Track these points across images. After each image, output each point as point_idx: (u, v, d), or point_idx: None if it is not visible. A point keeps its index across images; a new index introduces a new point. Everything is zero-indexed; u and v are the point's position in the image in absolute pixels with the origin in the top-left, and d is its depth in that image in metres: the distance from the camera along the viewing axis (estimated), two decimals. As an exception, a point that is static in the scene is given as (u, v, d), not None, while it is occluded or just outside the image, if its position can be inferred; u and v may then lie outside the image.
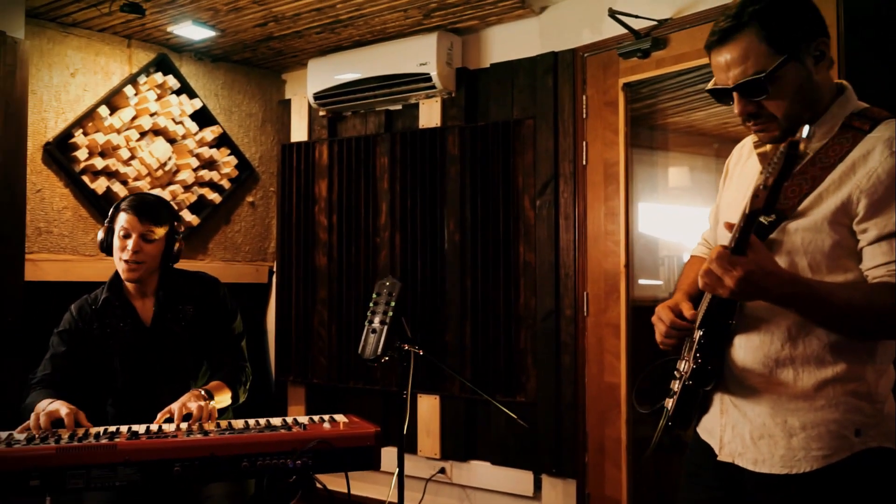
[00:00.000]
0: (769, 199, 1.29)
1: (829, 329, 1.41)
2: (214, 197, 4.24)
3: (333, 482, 2.24)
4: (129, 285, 2.49)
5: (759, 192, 1.30)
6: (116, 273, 2.48)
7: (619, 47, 3.20)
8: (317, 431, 2.05)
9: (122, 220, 2.39)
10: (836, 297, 1.37)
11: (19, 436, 1.99)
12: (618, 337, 3.22)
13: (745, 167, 1.62)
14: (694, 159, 4.13)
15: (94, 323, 2.48)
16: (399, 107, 4.03)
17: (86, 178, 3.75)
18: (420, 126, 3.90)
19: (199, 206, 4.20)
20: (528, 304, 3.53)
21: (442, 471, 3.75)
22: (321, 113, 4.23)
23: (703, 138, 4.04)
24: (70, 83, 3.75)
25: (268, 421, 2.20)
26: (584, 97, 3.40)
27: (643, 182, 3.76)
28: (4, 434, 2.01)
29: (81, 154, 3.71)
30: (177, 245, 2.51)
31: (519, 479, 3.54)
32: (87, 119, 3.77)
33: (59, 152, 3.66)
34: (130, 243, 2.37)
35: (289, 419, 2.24)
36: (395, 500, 2.82)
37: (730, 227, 1.38)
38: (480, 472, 3.67)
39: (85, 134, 3.76)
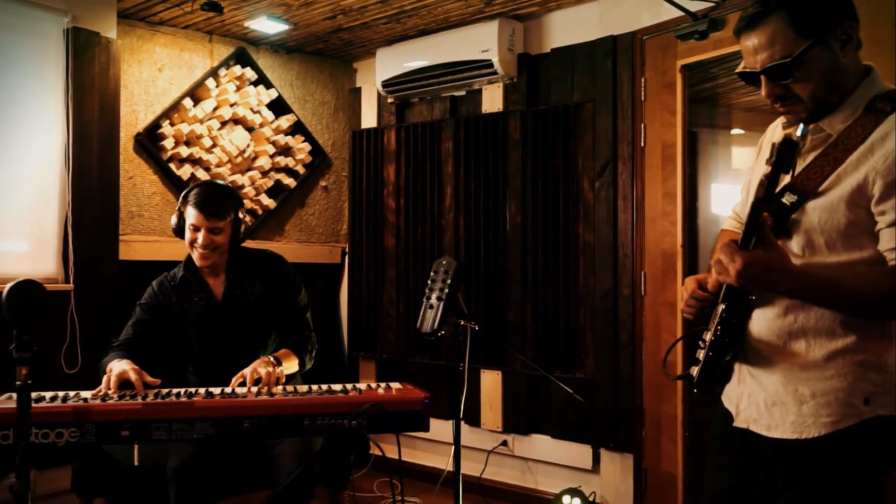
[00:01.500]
0: (769, 191, 1.37)
1: (840, 312, 1.47)
2: (290, 182, 4.48)
3: (393, 450, 2.41)
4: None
5: (762, 182, 1.38)
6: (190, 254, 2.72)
7: (677, 29, 3.22)
8: (371, 396, 2.23)
9: (191, 215, 2.61)
10: (845, 286, 1.43)
11: (113, 394, 2.24)
12: (674, 316, 3.27)
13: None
14: (757, 138, 4.07)
15: (172, 297, 2.73)
16: (463, 92, 4.16)
17: (172, 166, 4.04)
18: (483, 111, 4.02)
19: (275, 191, 4.45)
20: (588, 283, 3.62)
21: (504, 443, 3.89)
22: (389, 100, 4.41)
23: (766, 116, 3.99)
24: (157, 77, 4.04)
25: (329, 386, 2.39)
26: (642, 80, 3.44)
27: (706, 162, 3.78)
28: (89, 393, 2.27)
29: (168, 143, 4.01)
30: (243, 227, 2.72)
31: (578, 453, 3.64)
32: (173, 110, 4.05)
33: (149, 142, 3.96)
34: (200, 237, 2.59)
35: (348, 385, 2.42)
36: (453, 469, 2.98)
37: None
38: (541, 445, 3.79)
39: (171, 124, 4.05)
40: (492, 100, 3.99)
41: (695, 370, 1.74)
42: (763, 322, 1.58)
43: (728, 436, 1.70)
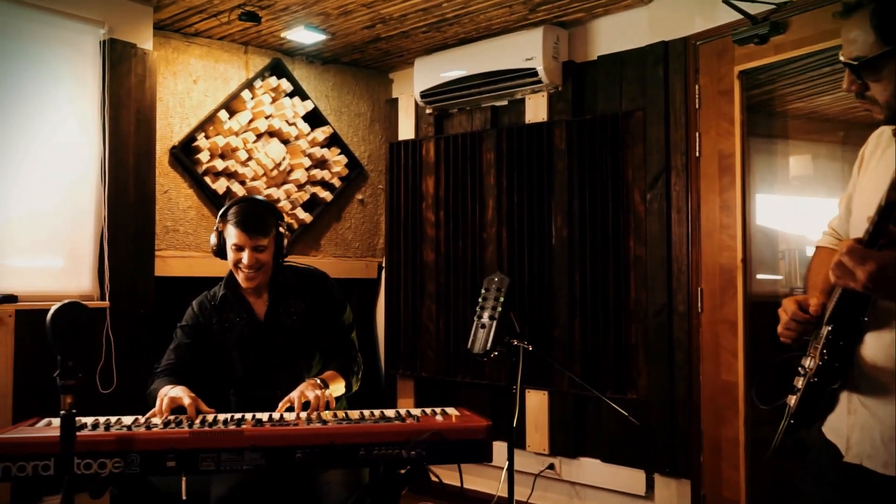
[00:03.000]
0: None
1: None
2: (326, 195, 4.38)
3: (444, 475, 2.28)
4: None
5: (893, 185, 1.25)
6: (232, 272, 2.60)
7: (735, 33, 3.09)
8: (430, 423, 2.09)
9: (232, 234, 2.48)
10: None
11: (155, 420, 2.13)
12: (735, 334, 3.11)
13: (884, 155, 1.55)
14: (817, 147, 3.93)
15: (213, 318, 2.61)
16: (505, 102, 4.04)
17: (208, 179, 3.95)
18: (526, 121, 3.89)
19: (311, 205, 4.35)
20: (639, 299, 3.46)
21: (551, 466, 3.73)
22: (427, 111, 4.29)
23: (828, 125, 3.84)
24: (193, 89, 3.96)
25: (382, 412, 2.26)
26: (696, 87, 3.30)
27: (761, 172, 3.62)
28: (142, 418, 2.16)
29: (204, 156, 3.92)
30: (285, 242, 2.60)
31: (630, 478, 3.48)
32: (208, 123, 3.97)
33: (184, 155, 3.88)
34: (245, 257, 2.47)
35: (402, 411, 2.29)
36: (506, 494, 2.84)
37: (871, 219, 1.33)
38: (590, 469, 3.64)
39: (206, 137, 3.96)
40: (535, 109, 3.86)
41: (792, 399, 1.59)
42: (879, 346, 1.43)
43: (832, 471, 1.55)
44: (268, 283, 2.62)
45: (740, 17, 3.06)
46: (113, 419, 2.15)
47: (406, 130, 4.44)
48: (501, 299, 2.74)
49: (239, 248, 2.49)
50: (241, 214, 2.49)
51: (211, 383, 2.84)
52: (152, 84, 3.62)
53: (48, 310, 3.17)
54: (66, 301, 1.68)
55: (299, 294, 2.64)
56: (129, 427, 2.00)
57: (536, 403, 3.75)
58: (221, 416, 2.18)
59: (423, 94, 4.17)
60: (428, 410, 2.31)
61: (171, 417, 2.15)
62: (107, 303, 3.36)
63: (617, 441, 3.53)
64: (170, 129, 3.86)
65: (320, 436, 2.01)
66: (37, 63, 3.31)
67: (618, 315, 3.52)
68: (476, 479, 3.82)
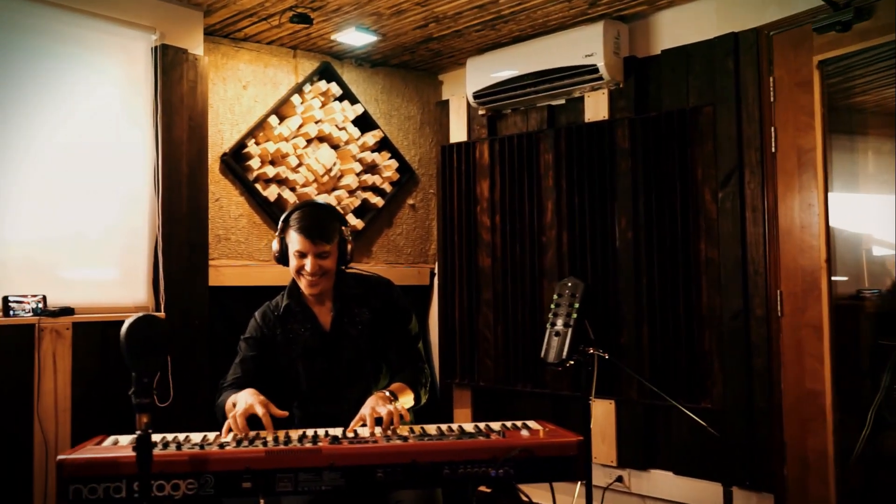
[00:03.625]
0: None
1: None
2: (377, 200, 4.28)
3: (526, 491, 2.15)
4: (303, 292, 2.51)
5: None
6: (294, 280, 2.50)
7: (814, 21, 2.93)
8: (517, 439, 1.96)
9: (295, 240, 2.38)
10: None
11: (225, 438, 2.03)
12: (820, 339, 2.94)
13: None
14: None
15: (277, 328, 2.51)
16: (562, 101, 3.90)
17: (258, 186, 3.87)
18: (586, 120, 3.75)
19: (362, 210, 4.25)
20: (712, 303, 3.30)
21: (619, 479, 3.58)
22: (480, 112, 4.17)
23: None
24: (242, 95, 3.88)
25: (460, 427, 2.14)
26: (770, 79, 3.14)
27: (840, 170, 3.43)
28: (211, 435, 2.06)
29: (254, 163, 3.84)
30: (349, 247, 2.49)
31: (706, 491, 3.31)
32: (258, 129, 3.89)
33: (235, 162, 3.80)
34: (308, 264, 2.36)
35: (481, 425, 2.17)
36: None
37: None
38: (662, 482, 3.47)
39: (257, 143, 3.89)
40: (596, 107, 3.71)
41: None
42: None
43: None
44: (332, 292, 2.51)
45: (817, 4, 2.90)
46: (181, 436, 2.06)
47: (458, 133, 4.32)
48: (577, 305, 2.61)
49: (302, 255, 2.39)
50: (303, 220, 2.39)
51: (273, 398, 2.75)
52: (204, 90, 3.55)
53: (105, 322, 3.14)
54: (140, 314, 1.58)
55: (364, 302, 2.53)
56: (201, 446, 1.90)
57: (603, 413, 3.60)
58: (294, 433, 2.08)
59: (476, 95, 4.05)
60: (509, 424, 2.19)
61: (244, 435, 2.05)
62: (162, 314, 3.28)
63: (691, 452, 3.36)
64: (220, 136, 3.79)
65: (402, 454, 1.89)
66: (90, 70, 3.25)
67: (689, 320, 3.36)
68: (545, 494, 3.67)
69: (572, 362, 2.60)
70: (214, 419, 2.36)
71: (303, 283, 2.43)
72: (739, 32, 3.24)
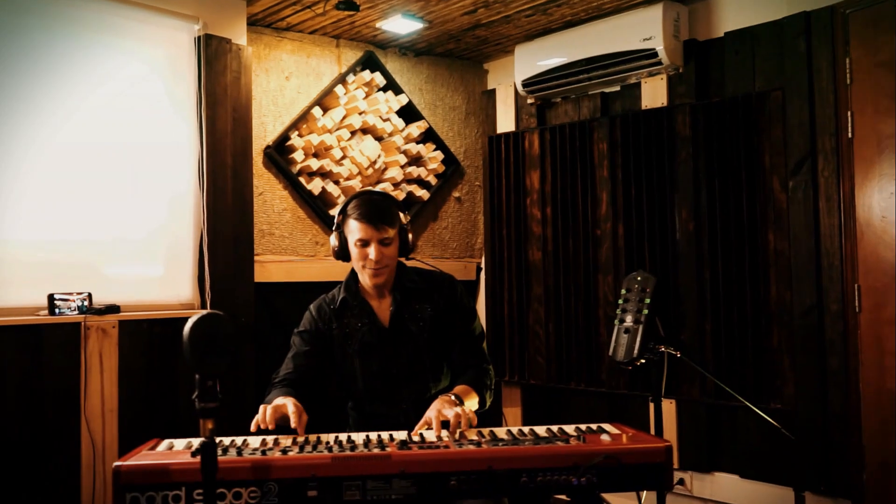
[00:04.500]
0: None
1: None
2: (422, 193, 4.15)
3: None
4: (365, 285, 2.40)
5: None
6: (352, 273, 2.39)
7: (897, -4, 2.74)
8: (598, 444, 1.83)
9: (356, 228, 2.27)
10: None
11: (285, 440, 1.92)
12: (904, 335, 2.76)
13: None
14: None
15: (333, 323, 2.40)
16: (617, 88, 3.74)
17: (302, 180, 3.77)
18: (643, 107, 3.59)
19: (407, 204, 4.13)
20: (782, 298, 3.13)
21: (681, 482, 3.42)
22: (529, 101, 4.03)
23: None
24: (285, 86, 3.78)
25: (533, 431, 2.01)
26: (846, 60, 2.96)
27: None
28: (270, 439, 1.95)
29: (298, 156, 3.73)
30: (409, 236, 2.38)
31: (775, 496, 3.15)
32: (301, 121, 3.78)
33: (278, 155, 3.70)
34: (372, 252, 2.25)
35: (554, 429, 2.04)
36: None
37: None
38: (727, 486, 3.31)
39: (300, 136, 3.78)
40: (653, 94, 3.55)
41: None
42: None
43: None
44: (392, 285, 2.39)
45: (900, -22, 2.72)
46: (239, 440, 1.96)
47: (505, 123, 4.18)
48: (647, 300, 2.46)
49: (364, 243, 2.27)
50: (363, 206, 2.27)
51: (328, 397, 2.64)
52: (247, 81, 3.45)
53: (151, 320, 3.04)
54: (206, 312, 1.47)
55: (426, 298, 2.40)
56: (262, 451, 1.78)
57: (664, 413, 3.41)
58: (357, 437, 1.96)
59: (525, 83, 3.91)
60: (583, 427, 2.05)
61: (303, 438, 1.94)
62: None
63: (758, 455, 3.20)
64: (263, 129, 3.68)
65: (477, 460, 1.76)
66: (134, 61, 3.17)
67: (756, 316, 3.19)
68: (609, 496, 3.52)
69: (643, 360, 2.44)
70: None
71: (366, 275, 2.31)
72: (812, 11, 3.06)
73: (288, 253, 3.73)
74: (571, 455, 1.77)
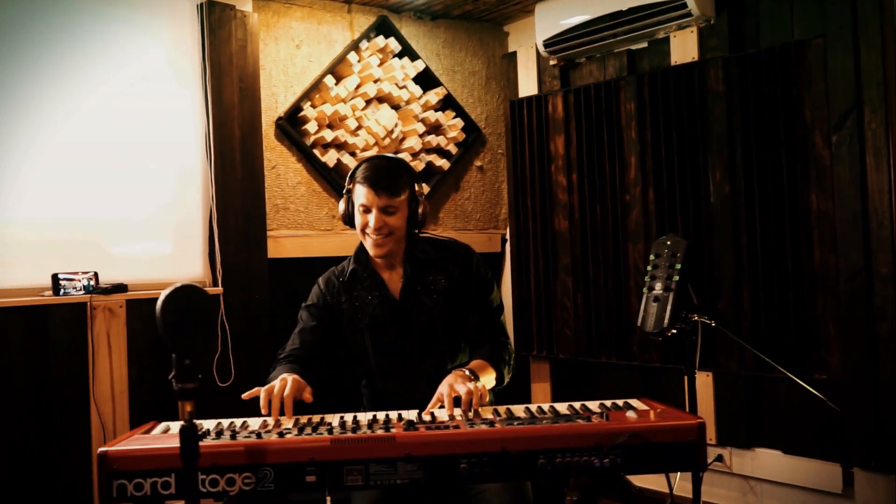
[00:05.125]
0: None
1: None
2: (442, 163, 3.99)
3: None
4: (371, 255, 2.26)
5: None
6: (362, 243, 2.25)
7: (951, -74, 2.48)
8: (623, 422, 1.66)
9: (360, 193, 2.14)
10: None
11: (287, 422, 1.80)
12: (961, 299, 2.53)
13: None
14: None
15: (342, 296, 2.27)
16: (644, 44, 3.52)
17: (316, 152, 3.63)
18: (672, 63, 3.37)
19: (427, 174, 3.97)
20: (826, 262, 2.91)
21: (719, 458, 3.24)
22: (551, 62, 3.83)
23: None
24: (296, 55, 3.63)
25: (552, 408, 1.85)
26: (894, 1, 2.71)
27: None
28: (271, 421, 1.83)
29: (311, 127, 3.59)
30: (420, 208, 2.22)
31: (822, 472, 2.95)
32: (313, 91, 3.63)
33: (291, 126, 3.56)
34: (372, 219, 2.12)
35: (576, 405, 1.88)
36: (682, 492, 2.38)
37: None
38: (768, 462, 3.12)
39: (313, 106, 3.64)
40: (683, 48, 3.33)
41: None
42: None
43: None
44: (402, 256, 2.25)
45: None
46: (238, 423, 1.83)
47: (527, 86, 3.98)
48: (678, 266, 2.27)
49: (366, 210, 2.14)
50: (369, 170, 2.13)
51: (340, 374, 2.51)
52: (254, 49, 3.31)
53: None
54: (178, 284, 1.34)
55: (440, 269, 2.26)
56: (258, 434, 1.66)
57: (700, 386, 3.23)
58: (364, 418, 1.82)
59: (547, 44, 3.71)
60: (608, 403, 1.89)
61: (306, 419, 1.82)
62: (220, 289, 3.08)
63: (802, 429, 3.00)
64: (274, 100, 3.54)
65: (490, 441, 1.61)
66: (135, 30, 3.04)
67: (798, 282, 2.98)
68: (636, 479, 3.37)
69: (674, 331, 2.27)
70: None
71: (368, 244, 2.18)
72: (855, -51, 2.82)
73: (303, 228, 3.61)
74: (593, 434, 1.61)
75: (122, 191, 2.96)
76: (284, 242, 3.48)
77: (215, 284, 3.11)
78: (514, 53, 4.09)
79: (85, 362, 2.72)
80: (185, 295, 1.33)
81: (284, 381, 1.90)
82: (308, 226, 3.61)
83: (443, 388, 1.95)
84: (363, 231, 2.17)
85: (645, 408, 1.82)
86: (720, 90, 3.18)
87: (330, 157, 3.64)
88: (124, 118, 2.98)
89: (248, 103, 3.26)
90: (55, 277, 2.70)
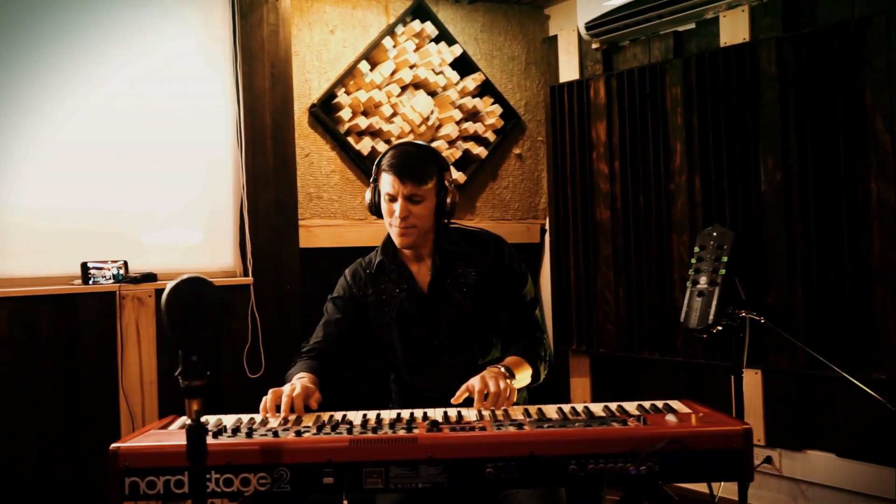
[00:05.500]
0: None
1: None
2: (480, 151, 3.88)
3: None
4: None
5: None
6: (389, 234, 2.17)
7: None
8: (662, 426, 1.55)
9: (386, 182, 2.07)
10: None
11: (308, 419, 1.73)
12: None
13: None
14: None
15: (368, 288, 2.20)
16: (691, 25, 3.35)
17: (351, 140, 3.55)
18: (721, 44, 3.19)
19: (464, 162, 3.87)
20: (887, 255, 2.73)
21: (768, 460, 3.08)
22: (594, 45, 3.68)
23: None
24: (330, 40, 3.55)
25: (587, 409, 1.74)
26: (966, -28, 2.51)
27: None
28: (292, 417, 1.75)
29: (345, 114, 3.51)
30: (449, 198, 2.12)
31: (879, 477, 2.78)
32: (348, 77, 3.55)
33: (324, 113, 3.49)
34: (397, 208, 2.04)
35: (612, 406, 1.77)
36: (728, 495, 2.25)
37: None
38: (820, 465, 2.96)
39: (347, 93, 3.56)
40: (734, 29, 3.15)
41: None
42: None
43: None
44: (431, 248, 2.16)
45: None
46: (258, 419, 1.77)
47: (568, 71, 3.84)
48: (724, 259, 2.13)
49: (391, 199, 2.06)
50: (395, 158, 2.05)
51: (368, 371, 2.44)
52: (286, 35, 3.24)
53: (189, 288, 2.90)
54: (183, 277, 1.27)
55: (470, 261, 2.16)
56: (275, 432, 1.58)
57: (748, 385, 3.08)
58: (387, 416, 1.74)
59: (589, 26, 3.56)
60: (647, 405, 1.77)
61: (328, 416, 1.74)
62: (250, 279, 3.03)
63: (858, 431, 2.83)
64: (307, 86, 3.47)
65: (517, 444, 1.51)
66: (164, 14, 3.00)
67: (856, 276, 2.80)
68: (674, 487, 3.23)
69: (720, 328, 2.13)
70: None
71: (393, 234, 2.11)
72: (921, -82, 2.62)
73: (337, 217, 3.54)
74: (629, 439, 1.50)
75: (153, 179, 2.93)
76: (317, 232, 3.42)
77: (246, 274, 3.06)
78: (555, 37, 3.94)
79: (114, 352, 2.70)
80: (190, 288, 1.25)
81: (293, 388, 1.83)
82: (342, 215, 3.54)
83: (474, 381, 1.86)
84: (389, 221, 2.09)
85: (686, 411, 1.70)
86: (773, 72, 3.00)
87: (364, 145, 3.56)
88: (154, 107, 2.94)
89: (279, 90, 3.20)
90: (84, 266, 2.68)
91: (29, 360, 2.59)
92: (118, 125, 2.86)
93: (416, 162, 2.05)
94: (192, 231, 3.03)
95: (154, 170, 2.93)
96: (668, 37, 3.43)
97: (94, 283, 2.69)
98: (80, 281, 2.69)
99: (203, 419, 1.77)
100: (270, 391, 1.83)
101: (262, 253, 3.07)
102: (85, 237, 2.75)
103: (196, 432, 1.26)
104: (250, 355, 3.02)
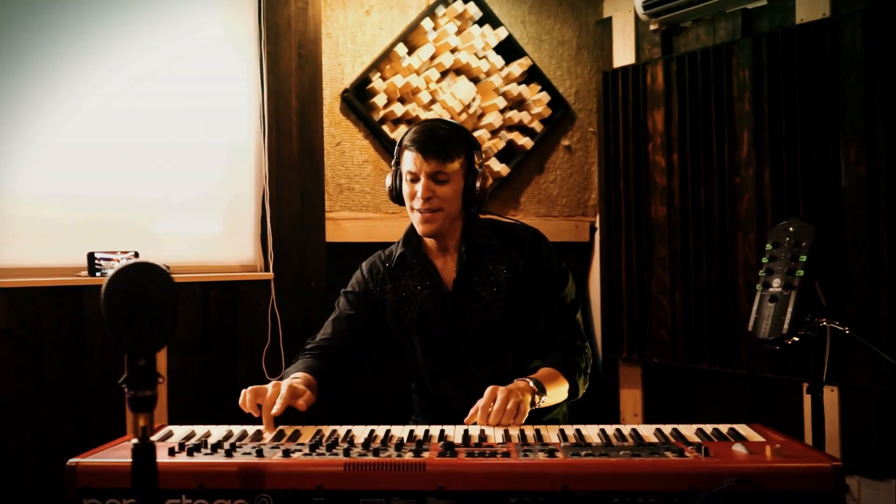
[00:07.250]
0: None
1: None
2: (525, 142, 3.60)
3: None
4: (427, 239, 1.92)
5: None
6: (412, 224, 1.92)
7: None
8: (728, 460, 1.25)
9: (408, 160, 1.84)
10: None
11: (307, 431, 1.48)
12: None
13: None
14: None
15: (386, 284, 1.96)
16: (763, 1, 3.02)
17: (385, 128, 3.31)
18: (797, 21, 2.86)
19: (508, 154, 3.59)
20: None
21: (845, 489, 2.72)
22: (652, 27, 3.36)
23: None
24: (365, 22, 3.31)
25: (635, 433, 1.45)
26: None
27: None
28: (289, 430, 1.51)
29: (380, 100, 3.27)
30: (478, 182, 1.86)
31: (978, 518, 2.41)
32: (384, 61, 3.31)
33: (358, 100, 3.25)
34: (419, 189, 1.80)
35: (666, 430, 1.47)
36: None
37: None
38: (907, 500, 2.60)
39: (383, 78, 3.32)
40: (812, 4, 2.81)
41: None
42: None
43: None
44: (459, 240, 1.90)
45: None
46: (250, 431, 1.53)
47: (623, 55, 3.53)
48: (803, 258, 1.81)
49: (414, 178, 1.82)
50: (419, 134, 1.82)
51: (388, 376, 2.19)
52: (316, 12, 3.02)
53: (205, 283, 2.67)
54: (129, 262, 1.03)
55: (501, 257, 1.90)
56: (259, 451, 1.33)
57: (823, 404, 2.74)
58: (396, 434, 1.48)
59: (647, 5, 3.26)
60: (709, 429, 1.48)
61: (329, 430, 1.49)
62: (271, 274, 2.81)
63: (954, 463, 2.46)
64: (340, 70, 3.24)
65: (547, 477, 1.24)
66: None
67: (953, 283, 2.44)
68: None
69: (796, 338, 1.81)
70: (329, 393, 1.85)
71: (416, 219, 1.87)
72: None
73: (369, 210, 3.29)
74: (687, 475, 1.21)
75: (169, 166, 2.73)
76: (345, 225, 3.18)
77: (266, 269, 2.85)
78: (609, 19, 3.64)
79: (121, 350, 2.50)
80: (137, 277, 1.01)
81: (277, 388, 1.59)
82: (374, 208, 3.30)
83: (484, 398, 1.59)
84: (410, 205, 1.84)
85: (758, 439, 1.40)
86: (857, 52, 2.65)
87: (400, 134, 3.31)
88: (172, 88, 2.74)
89: (307, 71, 2.98)
90: (91, 256, 2.50)
91: (29, 356, 2.41)
92: (132, 107, 2.67)
93: (440, 137, 1.81)
94: (209, 221, 2.83)
95: (169, 156, 2.73)
96: (735, 15, 3.10)
97: (102, 274, 2.50)
98: (86, 272, 2.51)
99: (189, 430, 1.56)
100: (251, 388, 1.59)
101: (284, 246, 2.86)
102: (92, 225, 2.56)
103: (143, 453, 1.02)
104: (269, 356, 2.80)
